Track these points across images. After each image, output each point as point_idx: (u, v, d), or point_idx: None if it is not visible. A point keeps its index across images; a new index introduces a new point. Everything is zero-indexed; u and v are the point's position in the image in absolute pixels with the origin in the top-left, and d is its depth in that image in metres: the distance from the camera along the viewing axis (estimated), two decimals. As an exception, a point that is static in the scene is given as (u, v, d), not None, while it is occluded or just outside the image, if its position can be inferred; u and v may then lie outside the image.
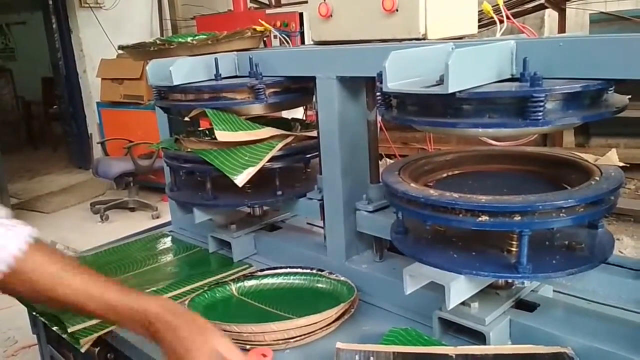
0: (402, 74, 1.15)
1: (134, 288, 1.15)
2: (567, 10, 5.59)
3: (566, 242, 1.21)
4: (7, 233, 1.02)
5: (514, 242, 1.19)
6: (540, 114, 1.00)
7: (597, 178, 1.18)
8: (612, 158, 1.25)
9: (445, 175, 1.47)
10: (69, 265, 1.09)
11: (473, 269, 1.16)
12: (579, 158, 1.33)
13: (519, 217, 1.06)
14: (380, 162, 1.64)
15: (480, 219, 1.09)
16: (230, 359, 1.03)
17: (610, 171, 1.21)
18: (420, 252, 1.26)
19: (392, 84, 1.13)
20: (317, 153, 1.67)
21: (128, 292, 1.10)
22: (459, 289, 1.19)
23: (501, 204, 1.07)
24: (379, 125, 1.63)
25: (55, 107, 8.01)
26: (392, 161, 1.71)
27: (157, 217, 5.25)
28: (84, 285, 1.06)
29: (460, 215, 1.11)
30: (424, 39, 1.48)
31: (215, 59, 1.67)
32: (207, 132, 1.92)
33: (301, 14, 4.68)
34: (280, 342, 1.31)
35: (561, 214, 1.07)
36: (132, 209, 5.65)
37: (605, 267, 1.17)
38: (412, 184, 1.24)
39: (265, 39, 2.04)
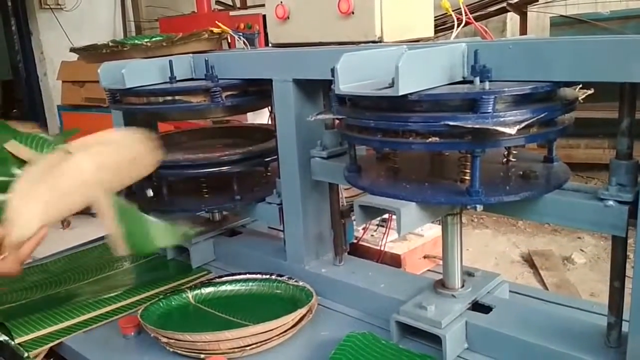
0: (355, 76, 1.14)
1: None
2: (529, 13, 5.69)
3: (521, 173, 1.20)
4: None
5: (467, 171, 1.17)
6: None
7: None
8: None
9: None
10: None
11: (425, 196, 1.15)
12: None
13: (470, 137, 1.05)
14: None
15: (430, 139, 1.07)
16: None
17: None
18: (373, 185, 1.25)
19: (345, 86, 1.12)
20: (276, 156, 1.65)
21: None
22: (410, 216, 1.15)
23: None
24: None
25: (15, 110, 7.79)
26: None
27: (121, 223, 5.15)
28: None
29: (411, 138, 1.09)
30: (380, 41, 1.47)
31: (170, 61, 1.64)
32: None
33: (265, 16, 4.65)
34: (236, 350, 1.28)
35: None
36: (95, 214, 5.53)
37: (561, 192, 1.15)
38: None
39: (229, 41, 2.00)
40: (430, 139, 1.07)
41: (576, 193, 1.13)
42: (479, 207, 1.12)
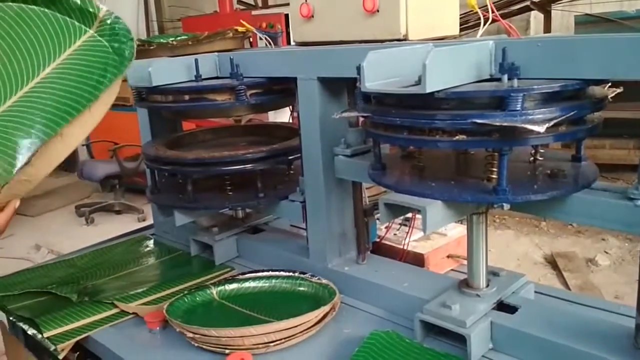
0: (381, 74, 1.14)
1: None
2: (553, 12, 5.64)
3: (548, 172, 1.19)
4: None
5: (494, 169, 1.15)
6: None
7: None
8: None
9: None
10: None
11: (452, 195, 1.14)
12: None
13: (497, 135, 1.04)
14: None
15: (457, 137, 1.07)
16: None
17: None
18: (398, 183, 1.24)
19: (371, 83, 1.12)
20: (299, 154, 1.65)
21: None
22: (436, 215, 1.14)
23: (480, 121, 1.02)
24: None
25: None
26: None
27: (144, 220, 5.21)
28: None
29: (437, 136, 1.09)
30: (405, 39, 1.47)
31: (196, 60, 1.65)
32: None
33: (287, 15, 4.67)
34: (260, 346, 1.29)
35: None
36: (118, 212, 5.60)
37: (589, 191, 1.13)
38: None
39: (251, 40, 2.02)
40: (457, 137, 1.06)
41: (605, 192, 1.11)
42: (506, 206, 1.11)
